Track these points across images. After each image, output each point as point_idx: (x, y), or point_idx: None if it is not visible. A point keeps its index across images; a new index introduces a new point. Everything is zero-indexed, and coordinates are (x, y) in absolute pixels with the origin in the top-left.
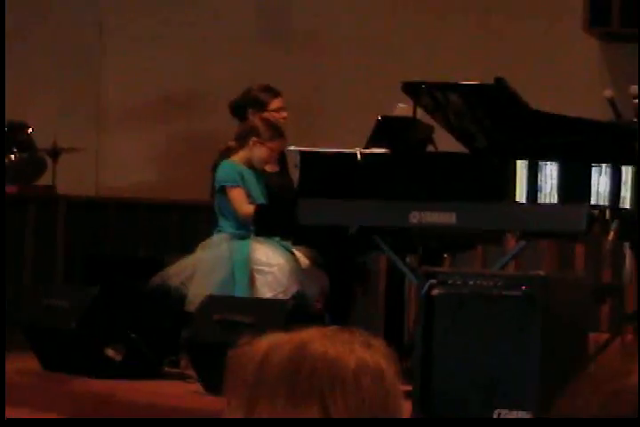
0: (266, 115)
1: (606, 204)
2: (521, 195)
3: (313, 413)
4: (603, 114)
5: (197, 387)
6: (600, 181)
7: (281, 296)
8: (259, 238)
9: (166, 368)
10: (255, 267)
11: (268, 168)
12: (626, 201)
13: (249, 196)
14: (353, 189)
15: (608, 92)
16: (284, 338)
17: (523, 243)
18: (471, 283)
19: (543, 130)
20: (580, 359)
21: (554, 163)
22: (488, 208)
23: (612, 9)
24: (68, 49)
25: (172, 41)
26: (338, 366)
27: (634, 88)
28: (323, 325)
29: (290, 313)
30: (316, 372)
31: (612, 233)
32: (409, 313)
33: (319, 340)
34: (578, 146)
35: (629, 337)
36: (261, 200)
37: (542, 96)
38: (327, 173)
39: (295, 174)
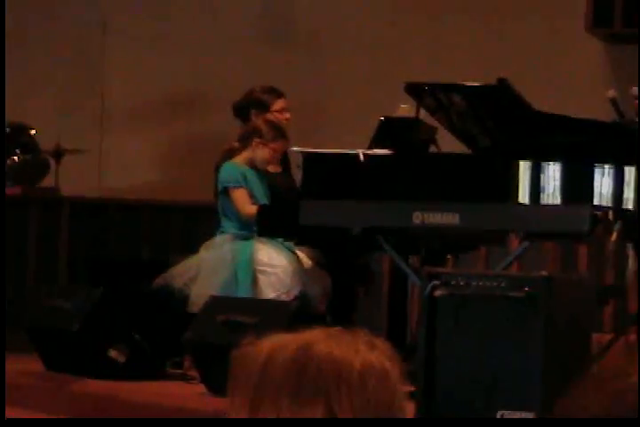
0: (269, 116)
1: (609, 205)
2: (524, 196)
3: (318, 413)
4: (605, 114)
5: (201, 388)
6: (603, 181)
7: (284, 297)
8: (261, 239)
9: (169, 369)
10: (258, 268)
11: (271, 169)
12: (629, 202)
13: (252, 196)
14: (356, 189)
15: (611, 93)
16: (288, 338)
17: (526, 244)
18: (474, 284)
19: (546, 130)
20: (583, 360)
21: (557, 163)
22: (491, 209)
23: (615, 10)
24: (70, 50)
25: (176, 42)
26: (343, 366)
27: (635, 89)
28: (325, 325)
29: (293, 314)
30: (322, 372)
31: (614, 234)
32: (412, 314)
33: (324, 341)
34: (581, 147)
35: (632, 338)
36: (264, 201)
37: (545, 97)
38: (330, 173)
39: (298, 175)
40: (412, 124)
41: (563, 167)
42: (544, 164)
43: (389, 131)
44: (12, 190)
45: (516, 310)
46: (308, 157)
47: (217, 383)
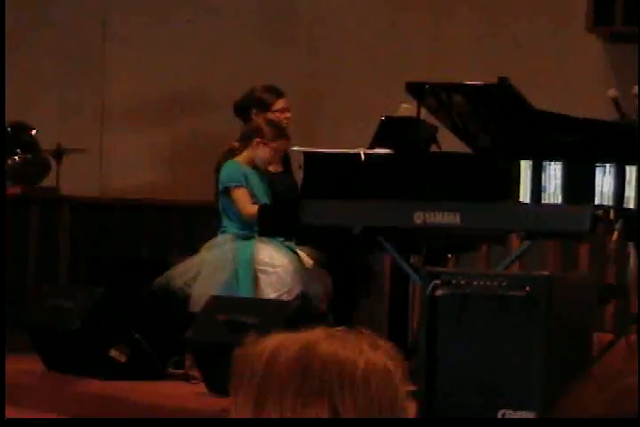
0: (269, 115)
1: (610, 204)
2: (525, 195)
3: (322, 412)
4: (607, 113)
5: (201, 387)
6: (604, 180)
7: (285, 297)
8: (262, 239)
9: (170, 369)
10: (259, 267)
11: (272, 168)
12: (630, 201)
13: (253, 196)
14: (357, 189)
15: (612, 92)
16: (291, 338)
17: (527, 243)
18: (475, 283)
19: (547, 130)
20: (584, 360)
21: (558, 163)
22: (492, 208)
23: (616, 9)
24: (71, 49)
25: (176, 41)
26: (347, 366)
27: (636, 88)
28: (326, 325)
29: (294, 314)
30: (326, 371)
31: (616, 233)
32: (413, 314)
33: (327, 340)
34: (582, 146)
35: (633, 337)
36: (265, 201)
37: (546, 96)
38: (331, 173)
39: (299, 175)
40: (413, 123)
41: (564, 166)
42: (545, 163)
43: (390, 130)
44: (13, 190)
45: (517, 310)
46: (309, 157)
47: (218, 383)
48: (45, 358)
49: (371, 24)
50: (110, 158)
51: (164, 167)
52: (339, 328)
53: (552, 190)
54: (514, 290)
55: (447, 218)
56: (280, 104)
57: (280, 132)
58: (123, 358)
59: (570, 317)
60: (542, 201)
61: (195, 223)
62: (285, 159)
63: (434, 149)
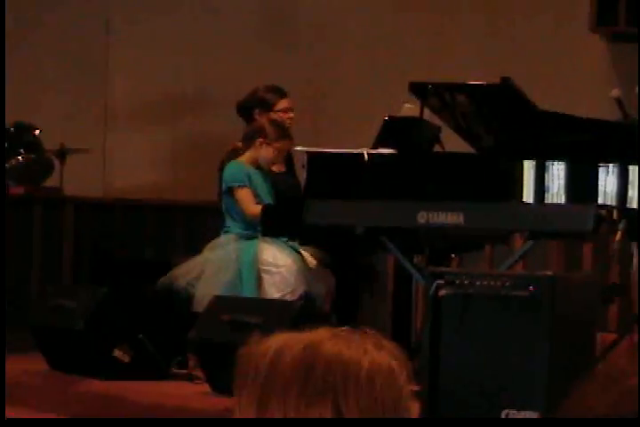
0: (272, 115)
1: (614, 204)
2: (528, 195)
3: (325, 412)
4: (610, 113)
5: (205, 387)
6: (607, 180)
7: (288, 297)
8: (266, 239)
9: (174, 369)
10: (262, 267)
11: (275, 169)
12: (633, 201)
13: (256, 196)
14: (360, 189)
15: (615, 92)
16: (295, 337)
17: (530, 243)
18: (478, 283)
19: (550, 130)
20: (588, 359)
21: (561, 163)
22: (495, 208)
23: (619, 8)
24: (74, 50)
25: (179, 42)
26: (351, 366)
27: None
28: (330, 325)
29: (297, 314)
30: (330, 371)
31: (619, 233)
32: (416, 313)
33: (331, 340)
34: (585, 146)
35: (636, 337)
36: (268, 200)
37: (549, 96)
38: (334, 173)
39: (302, 175)
40: (416, 123)
41: (567, 166)
42: (548, 163)
43: (394, 130)
44: (16, 190)
45: (521, 310)
46: (312, 157)
47: (221, 383)
48: (49, 358)
49: (372, 24)
50: (113, 158)
51: (167, 167)
52: (343, 328)
53: (555, 190)
54: (517, 290)
55: (450, 218)
56: (283, 104)
57: (283, 132)
58: (126, 359)
59: (573, 316)
60: (545, 201)
61: (198, 223)
62: (289, 159)
63: (437, 149)
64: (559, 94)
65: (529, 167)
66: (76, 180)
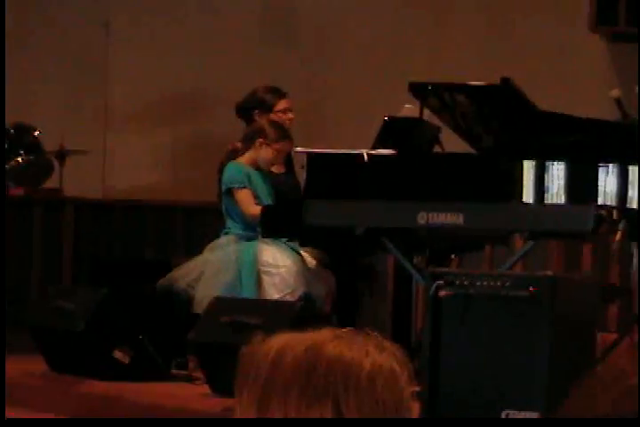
0: (272, 116)
1: (614, 204)
2: (528, 195)
3: (326, 412)
4: (610, 113)
5: (205, 389)
6: (607, 181)
7: (288, 297)
8: (266, 240)
9: (174, 370)
10: (262, 268)
11: (275, 169)
12: (633, 201)
13: (256, 197)
14: (360, 190)
15: (615, 92)
16: (297, 338)
17: (530, 243)
18: (478, 284)
19: (550, 130)
20: (588, 360)
21: (561, 163)
22: (495, 209)
23: (619, 8)
24: (74, 50)
25: (178, 42)
26: (353, 367)
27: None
28: (330, 326)
29: (297, 315)
30: (331, 373)
31: (619, 233)
32: (416, 314)
33: (333, 341)
34: (585, 146)
35: (636, 337)
36: (268, 201)
37: (549, 96)
38: (334, 174)
39: (302, 175)
40: (416, 123)
41: (567, 167)
42: (548, 163)
43: (393, 131)
44: (16, 191)
45: (521, 310)
46: (312, 158)
47: (221, 384)
48: (48, 359)
49: (372, 24)
50: (113, 159)
51: (166, 168)
52: (345, 329)
53: (555, 190)
54: (517, 290)
55: (450, 218)
56: (282, 105)
57: (283, 133)
58: (126, 360)
59: (573, 317)
60: (545, 201)
61: (198, 224)
62: (288, 160)
63: (437, 149)
64: (559, 94)
65: (529, 167)
66: (76, 181)
